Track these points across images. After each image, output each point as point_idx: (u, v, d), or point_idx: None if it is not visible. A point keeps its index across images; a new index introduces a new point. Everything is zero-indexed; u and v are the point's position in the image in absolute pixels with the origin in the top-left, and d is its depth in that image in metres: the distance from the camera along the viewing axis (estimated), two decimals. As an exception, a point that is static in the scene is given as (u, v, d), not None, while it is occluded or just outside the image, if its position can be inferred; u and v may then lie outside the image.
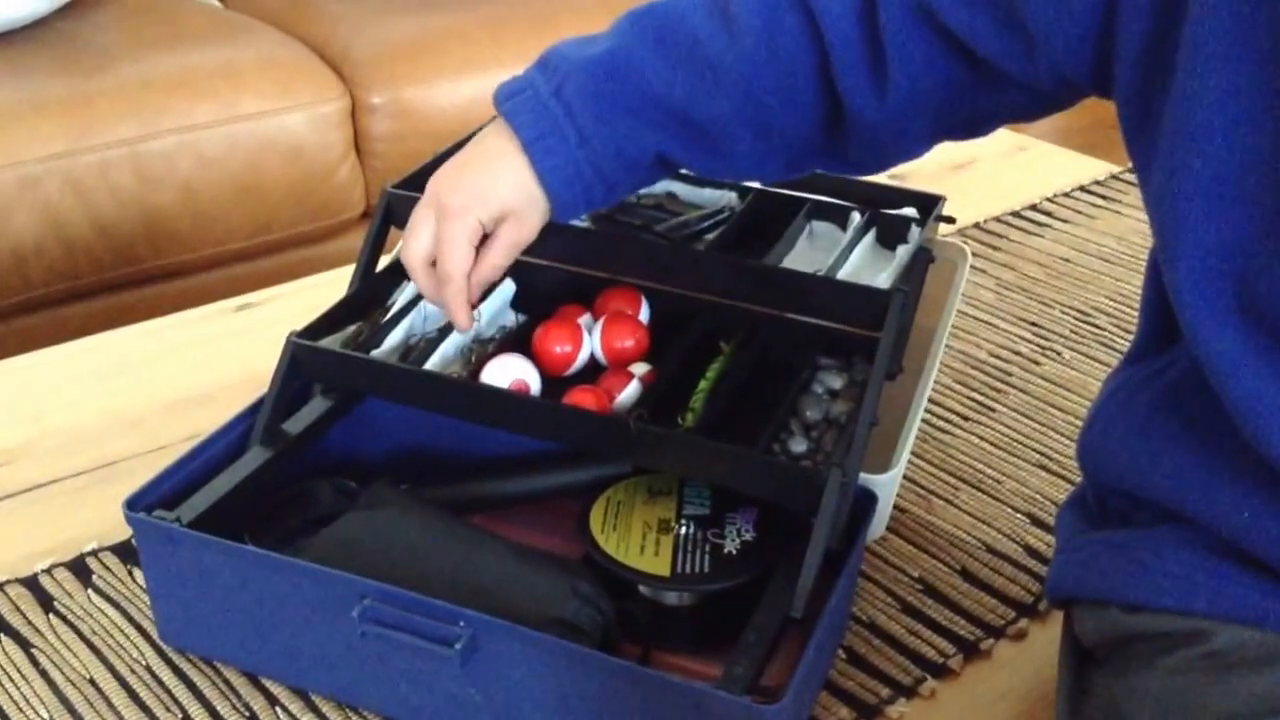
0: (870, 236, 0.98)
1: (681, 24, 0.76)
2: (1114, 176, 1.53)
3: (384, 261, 0.94)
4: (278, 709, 0.78)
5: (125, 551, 0.91)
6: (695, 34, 0.76)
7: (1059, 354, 1.17)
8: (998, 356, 1.17)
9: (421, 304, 0.91)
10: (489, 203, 0.78)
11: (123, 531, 0.90)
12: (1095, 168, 1.56)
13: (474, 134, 0.83)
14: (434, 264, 0.80)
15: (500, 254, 0.80)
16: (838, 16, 0.73)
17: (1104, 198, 1.48)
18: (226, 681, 0.80)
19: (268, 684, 0.80)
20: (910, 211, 1.02)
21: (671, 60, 0.76)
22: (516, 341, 0.89)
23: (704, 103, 0.76)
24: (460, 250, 0.79)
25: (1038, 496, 0.99)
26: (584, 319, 0.92)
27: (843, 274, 0.91)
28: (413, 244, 0.80)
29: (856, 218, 1.00)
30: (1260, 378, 0.59)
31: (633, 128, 0.77)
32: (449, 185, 0.80)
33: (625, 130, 0.77)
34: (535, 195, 0.79)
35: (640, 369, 0.88)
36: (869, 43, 0.73)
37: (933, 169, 1.42)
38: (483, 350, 0.89)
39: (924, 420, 1.05)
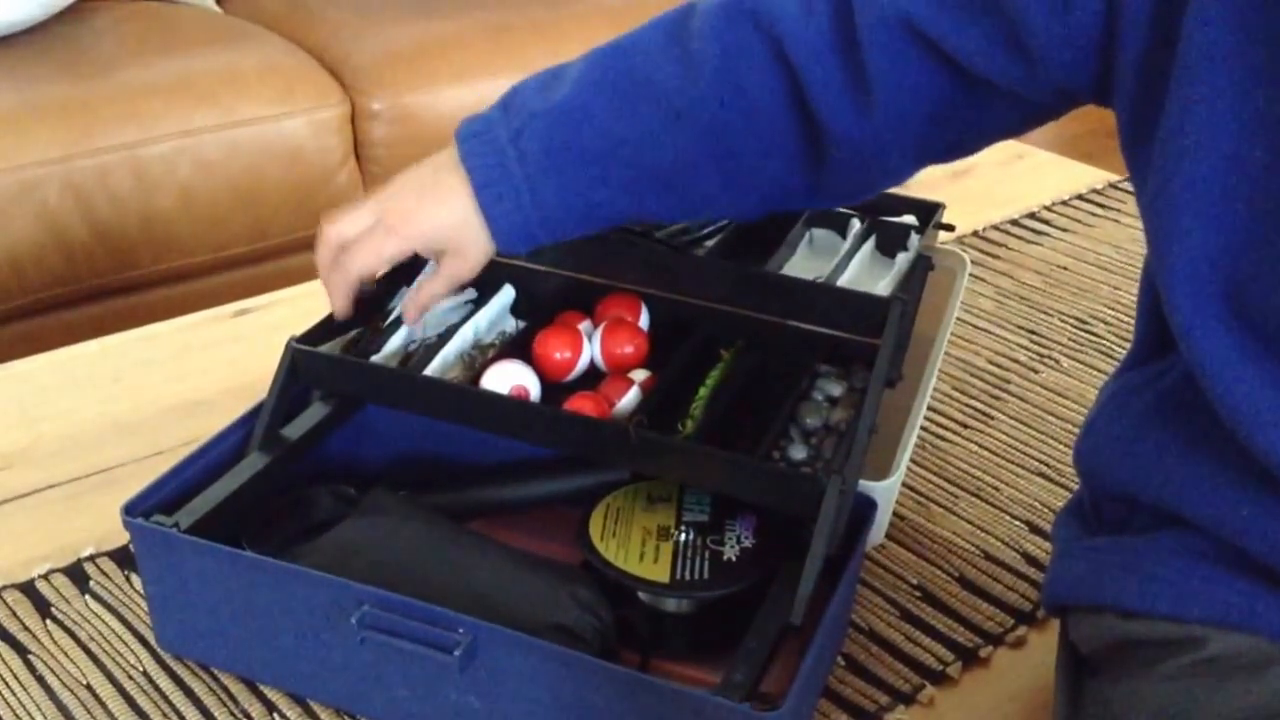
0: (870, 244, 0.99)
1: (639, 64, 0.76)
2: (1112, 185, 1.53)
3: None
4: (275, 716, 0.78)
5: (123, 557, 0.90)
6: (652, 75, 0.76)
7: (1057, 362, 1.18)
8: (996, 364, 1.17)
9: (421, 310, 0.91)
10: (430, 239, 0.81)
11: (120, 537, 0.90)
12: (1093, 176, 1.56)
13: None
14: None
15: (441, 285, 0.84)
16: (806, 41, 0.72)
17: (1102, 206, 1.48)
18: (224, 688, 0.80)
19: (265, 690, 0.80)
20: (909, 219, 1.02)
21: (626, 105, 0.76)
22: (516, 347, 0.89)
23: (661, 146, 0.76)
24: (374, 262, 0.82)
25: (1036, 504, 0.99)
26: (584, 325, 0.92)
27: (842, 281, 0.91)
28: (343, 224, 0.82)
29: (856, 225, 1.00)
30: (1251, 381, 0.60)
31: (586, 181, 0.78)
32: (400, 209, 0.81)
33: (577, 183, 0.78)
34: (480, 234, 0.80)
35: (640, 375, 0.88)
36: (846, 64, 0.72)
37: (932, 177, 1.41)
38: (483, 356, 0.89)
39: (923, 428, 1.05)
